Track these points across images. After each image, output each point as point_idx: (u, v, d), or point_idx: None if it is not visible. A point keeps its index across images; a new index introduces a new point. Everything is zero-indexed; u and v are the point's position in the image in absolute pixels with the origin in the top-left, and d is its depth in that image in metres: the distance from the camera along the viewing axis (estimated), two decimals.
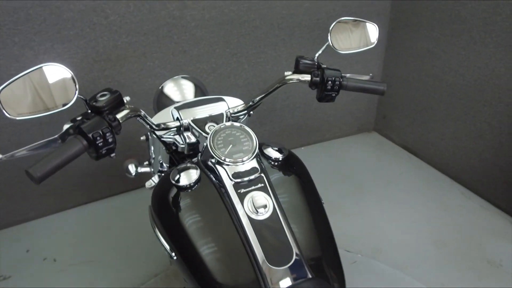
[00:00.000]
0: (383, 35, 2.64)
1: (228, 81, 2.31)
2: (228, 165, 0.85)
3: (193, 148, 1.04)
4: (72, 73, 0.72)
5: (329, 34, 1.00)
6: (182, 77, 1.35)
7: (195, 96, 1.29)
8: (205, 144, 0.97)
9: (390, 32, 2.62)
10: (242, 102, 1.13)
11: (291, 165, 0.97)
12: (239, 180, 0.83)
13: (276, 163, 0.96)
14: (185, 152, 1.06)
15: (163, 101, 1.28)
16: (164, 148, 1.10)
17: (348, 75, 1.01)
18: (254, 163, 0.86)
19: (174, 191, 0.88)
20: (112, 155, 0.77)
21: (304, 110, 2.68)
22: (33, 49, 1.79)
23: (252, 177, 0.84)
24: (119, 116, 0.79)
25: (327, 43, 1.02)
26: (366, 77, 1.05)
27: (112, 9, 1.87)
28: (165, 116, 1.09)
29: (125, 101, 0.82)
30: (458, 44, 2.12)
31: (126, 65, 2.03)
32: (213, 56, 2.21)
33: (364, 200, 2.29)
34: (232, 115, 1.07)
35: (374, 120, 3.02)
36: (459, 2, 2.04)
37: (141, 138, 1.13)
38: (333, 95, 1.01)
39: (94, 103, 0.76)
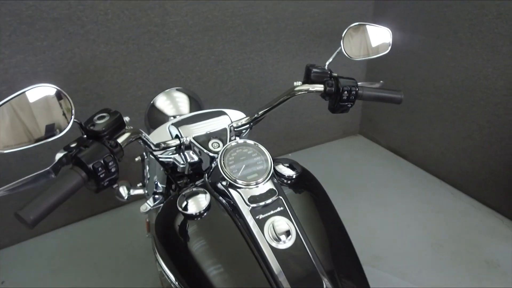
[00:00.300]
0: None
1: (213, 89, 2.22)
2: (242, 188, 0.77)
3: (195, 167, 0.95)
4: (65, 93, 0.62)
5: (341, 41, 0.94)
6: (176, 90, 1.25)
7: (191, 110, 1.19)
8: (213, 164, 0.89)
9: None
10: (244, 115, 1.05)
11: (306, 183, 0.90)
12: (256, 204, 0.75)
13: (289, 181, 0.88)
14: (186, 172, 0.97)
15: (156, 116, 1.18)
16: (161, 168, 1.01)
17: (360, 83, 0.95)
18: (270, 185, 0.79)
19: (181, 219, 0.79)
20: (115, 186, 0.67)
21: (291, 116, 2.63)
22: (2, 62, 1.64)
23: (270, 200, 0.76)
24: (120, 140, 0.69)
25: (337, 50, 0.96)
26: (377, 85, 0.99)
27: (89, 17, 1.74)
28: (162, 134, 0.99)
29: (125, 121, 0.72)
30: (444, 46, 2.12)
31: (105, 76, 1.91)
32: (198, 64, 2.11)
33: (357, 206, 2.25)
34: (235, 129, 0.98)
35: (360, 123, 3.01)
36: (444, 3, 2.04)
37: (136, 159, 1.02)
38: (349, 105, 0.94)
39: (91, 127, 0.66)
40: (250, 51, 2.22)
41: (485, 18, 1.86)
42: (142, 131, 0.78)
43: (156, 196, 1.11)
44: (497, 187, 2.07)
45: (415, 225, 2.09)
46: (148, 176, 1.10)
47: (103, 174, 0.63)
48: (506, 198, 2.05)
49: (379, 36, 0.95)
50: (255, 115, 0.99)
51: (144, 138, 0.79)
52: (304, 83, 0.97)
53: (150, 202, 1.09)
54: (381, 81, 1.01)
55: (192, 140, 0.90)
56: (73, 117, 0.62)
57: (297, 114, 2.65)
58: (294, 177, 0.89)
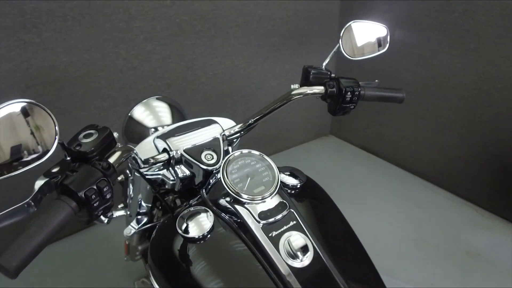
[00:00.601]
0: (333, 38, 2.64)
1: (185, 97, 2.12)
2: (250, 203, 0.70)
3: (185, 183, 0.86)
4: (47, 109, 0.51)
5: (340, 40, 0.89)
6: (156, 99, 1.15)
7: (174, 121, 1.09)
8: (211, 180, 0.80)
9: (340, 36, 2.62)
10: (234, 123, 0.98)
11: (312, 192, 0.85)
12: (267, 221, 0.68)
13: (293, 191, 0.82)
14: (176, 189, 0.87)
15: (136, 130, 1.07)
16: (148, 187, 0.91)
17: (361, 83, 0.91)
18: (279, 197, 0.73)
19: (183, 243, 0.70)
20: (109, 214, 0.57)
21: (264, 119, 2.57)
22: None
23: (281, 215, 0.70)
24: (111, 160, 0.59)
25: (334, 50, 0.91)
26: (374, 84, 0.96)
27: (46, 24, 1.58)
28: (146, 149, 0.89)
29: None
30: (411, 44, 2.16)
31: (66, 88, 1.75)
32: (167, 71, 2.00)
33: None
34: (228, 138, 0.91)
35: (330, 123, 3.02)
36: (410, 2, 2.09)
37: (118, 178, 0.91)
38: (352, 107, 0.90)
39: (77, 148, 0.55)
40: (221, 55, 2.14)
41: (451, 16, 1.92)
42: (133, 147, 0.69)
43: (140, 217, 1.01)
44: (470, 179, 2.14)
45: (395, 222, 2.10)
46: (132, 196, 0.99)
47: (97, 202, 0.53)
48: (479, 189, 2.11)
49: (377, 33, 0.91)
50: (249, 122, 0.91)
51: (135, 155, 0.69)
52: (302, 85, 0.91)
53: (134, 224, 0.99)
54: (376, 80, 0.97)
55: (183, 153, 0.81)
56: (57, 137, 0.52)
57: (270, 118, 2.57)
58: (298, 186, 0.83)
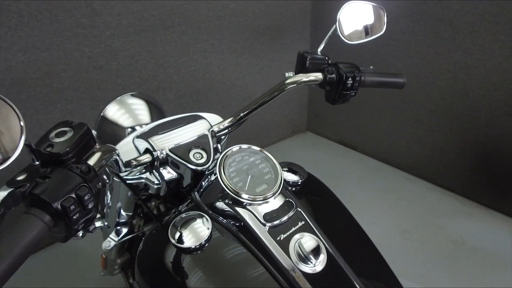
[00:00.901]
0: (307, 32, 2.60)
1: (157, 96, 2.00)
2: (253, 204, 0.62)
3: (172, 187, 0.77)
4: (9, 101, 0.41)
5: (337, 23, 0.82)
6: (131, 96, 1.04)
7: (153, 118, 0.99)
8: (203, 182, 0.72)
9: (313, 30, 2.59)
10: (221, 118, 0.89)
11: (315, 188, 0.78)
12: (273, 223, 0.61)
13: (295, 189, 0.75)
14: (162, 193, 0.78)
15: (110, 131, 0.96)
16: (129, 193, 0.81)
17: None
18: (283, 197, 0.65)
19: (177, 255, 0.61)
20: (91, 228, 0.47)
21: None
22: None
23: (287, 216, 0.62)
24: (91, 162, 0.49)
25: (330, 34, 0.84)
26: (370, 70, 0.90)
27: None
28: (126, 150, 0.79)
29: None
30: (386, 36, 2.15)
31: (25, 90, 1.59)
32: (136, 69, 1.88)
33: None
34: (217, 134, 0.82)
35: (307, 119, 2.98)
36: None
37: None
38: (352, 94, 0.83)
39: (48, 149, 0.45)
40: (194, 52, 2.04)
41: (425, 6, 1.92)
42: (116, 147, 0.59)
43: (119, 227, 0.90)
44: (449, 168, 2.16)
45: (380, 215, 2.08)
46: (110, 204, 0.88)
47: (77, 214, 0.43)
48: (457, 177, 2.14)
49: (373, 15, 0.86)
50: (239, 115, 0.83)
51: (117, 156, 0.59)
52: (297, 73, 0.83)
53: (113, 236, 0.88)
54: (371, 67, 0.92)
55: (169, 153, 0.72)
56: (23, 136, 0.41)
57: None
58: (299, 183, 0.76)
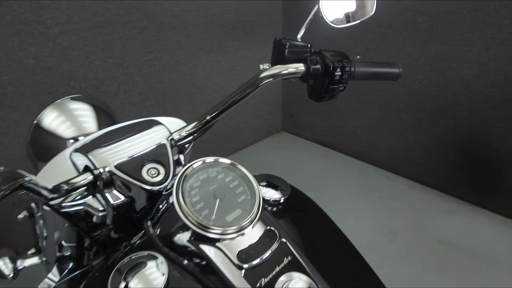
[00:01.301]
0: (279, 27, 2.48)
1: (116, 99, 1.81)
2: (224, 239, 0.47)
3: (123, 213, 0.60)
4: None
5: (319, 4, 0.68)
6: (72, 99, 0.86)
7: (101, 127, 0.81)
8: (161, 205, 0.56)
9: (285, 25, 2.47)
10: (183, 123, 0.73)
11: (299, 206, 0.64)
12: (250, 264, 0.46)
13: (277, 208, 0.61)
14: (109, 221, 0.61)
15: (45, 143, 0.77)
16: (67, 223, 0.63)
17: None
18: (262, 224, 0.50)
19: None
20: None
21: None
22: None
23: (269, 252, 0.47)
24: None
25: (311, 16, 0.70)
26: (359, 59, 0.77)
27: None
28: (60, 169, 0.61)
29: None
30: (361, 29, 2.05)
31: None
32: (92, 70, 1.68)
33: None
34: (177, 143, 0.66)
35: (282, 119, 2.86)
36: None
37: (19, 216, 0.62)
38: (341, 88, 0.70)
39: None
40: (157, 49, 1.87)
41: None
42: (23, 172, 0.42)
43: (61, 263, 0.72)
44: (430, 164, 2.09)
45: (362, 216, 1.98)
46: (45, 235, 0.70)
47: None
48: (440, 173, 2.07)
49: None
50: (206, 118, 0.67)
51: (30, 184, 0.43)
52: (274, 64, 0.69)
53: (53, 276, 0.70)
54: (358, 56, 0.78)
55: (115, 170, 0.55)
56: None
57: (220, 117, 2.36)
58: (282, 201, 0.61)
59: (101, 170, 0.54)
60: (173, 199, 0.49)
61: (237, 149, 2.62)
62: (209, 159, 0.54)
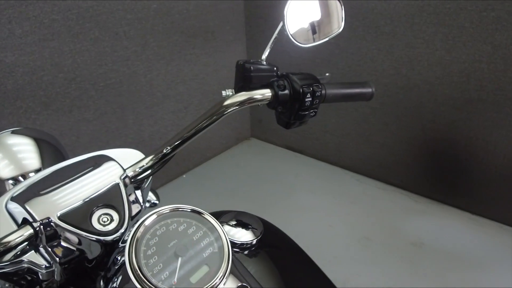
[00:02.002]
0: (241, 33, 2.41)
1: (70, 117, 1.68)
2: None
3: (73, 267, 0.52)
4: None
5: (284, 21, 0.62)
6: (12, 133, 0.75)
7: (46, 164, 0.71)
8: (116, 258, 0.49)
9: (248, 30, 2.41)
10: (141, 154, 0.65)
11: (274, 244, 0.58)
12: None
13: (249, 251, 0.55)
14: (57, 277, 0.52)
15: None
16: (7, 285, 0.54)
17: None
18: (234, 280, 0.44)
19: None
20: None
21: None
22: None
23: None
24: None
25: (275, 35, 0.64)
26: (327, 78, 0.72)
27: None
28: None
29: None
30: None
31: None
32: (40, 87, 1.55)
33: (270, 216, 1.99)
34: (133, 180, 0.58)
35: (250, 126, 2.80)
36: None
37: None
38: (312, 114, 0.64)
39: None
40: (113, 61, 1.75)
41: (363, 0, 1.81)
42: None
43: None
44: (399, 166, 2.10)
45: (335, 223, 1.96)
46: None
47: None
48: (408, 174, 2.08)
49: (328, 10, 0.67)
50: (163, 151, 0.60)
51: None
52: (238, 90, 0.62)
53: None
54: (327, 74, 0.73)
55: (58, 222, 0.47)
56: None
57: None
58: (254, 242, 0.55)
59: (40, 223, 0.46)
60: (125, 261, 0.41)
61: (206, 159, 2.53)
62: (166, 210, 0.46)
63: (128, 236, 0.44)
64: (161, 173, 2.04)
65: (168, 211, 0.47)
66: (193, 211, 0.48)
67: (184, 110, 2.17)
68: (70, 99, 1.65)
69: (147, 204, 0.76)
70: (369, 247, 1.80)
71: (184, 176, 2.39)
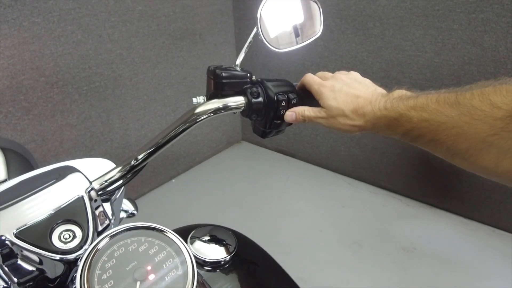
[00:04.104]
0: (230, 35, 2.38)
1: (52, 122, 1.63)
2: None
3: (35, 285, 0.48)
4: None
5: (258, 25, 0.58)
6: None
7: (11, 176, 0.67)
8: (75, 276, 0.45)
9: (237, 32, 2.38)
10: (111, 163, 0.62)
11: (247, 259, 0.55)
12: None
13: (223, 268, 0.51)
14: None
15: None
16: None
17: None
18: None
19: None
20: None
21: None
22: None
23: None
24: None
25: (250, 39, 0.61)
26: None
27: None
28: None
29: None
30: None
31: None
32: (21, 91, 1.50)
33: (261, 220, 1.98)
34: (102, 192, 0.54)
35: (241, 129, 2.77)
36: None
37: None
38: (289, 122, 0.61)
39: None
40: (96, 64, 1.71)
41: (351, 2, 1.79)
42: None
43: None
44: (390, 169, 2.07)
45: (326, 228, 1.93)
46: None
47: None
48: (400, 178, 2.06)
49: (306, 13, 0.64)
50: (132, 162, 0.56)
51: None
52: (210, 98, 0.59)
53: None
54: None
55: (14, 240, 0.43)
56: None
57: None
58: (227, 259, 0.52)
59: None
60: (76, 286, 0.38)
61: (196, 163, 2.49)
62: (121, 229, 0.43)
63: (80, 260, 0.40)
64: (149, 177, 2.01)
65: (127, 229, 0.43)
66: (154, 228, 0.44)
67: (172, 113, 2.13)
68: (52, 103, 1.60)
69: (124, 215, 0.72)
70: (359, 253, 1.77)
71: (173, 180, 2.34)
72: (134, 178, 0.58)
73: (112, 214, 0.57)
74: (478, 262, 1.68)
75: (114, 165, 0.59)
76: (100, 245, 0.41)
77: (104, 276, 0.39)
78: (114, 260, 0.41)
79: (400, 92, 0.53)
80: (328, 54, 2.01)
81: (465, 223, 1.90)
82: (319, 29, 0.64)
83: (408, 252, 1.76)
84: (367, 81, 0.58)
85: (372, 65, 1.87)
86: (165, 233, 0.44)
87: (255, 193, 2.24)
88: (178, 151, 2.31)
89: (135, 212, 0.72)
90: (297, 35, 0.62)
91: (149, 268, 0.40)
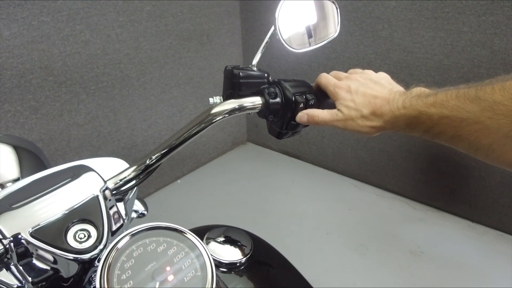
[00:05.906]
0: (237, 36, 2.38)
1: (60, 121, 1.63)
2: None
3: (48, 287, 0.48)
4: None
5: (276, 25, 0.58)
6: None
7: (24, 173, 0.67)
8: (92, 277, 0.45)
9: (245, 33, 2.38)
10: (126, 164, 0.62)
11: (264, 262, 0.54)
12: None
13: (238, 270, 0.51)
14: None
15: None
16: None
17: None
18: None
19: None
20: None
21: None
22: None
23: None
24: None
25: (267, 40, 0.60)
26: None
27: None
28: None
29: None
30: None
31: None
32: (29, 90, 1.51)
33: (266, 222, 1.97)
34: (116, 192, 0.54)
35: (247, 130, 2.76)
36: None
37: None
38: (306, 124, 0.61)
39: None
40: (104, 64, 1.71)
41: (360, 3, 1.78)
42: None
43: None
44: (397, 172, 2.06)
45: (332, 230, 1.92)
46: None
47: None
48: (407, 181, 2.05)
49: (323, 13, 0.63)
50: (147, 162, 0.56)
51: None
52: (226, 98, 0.59)
53: None
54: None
55: (30, 239, 0.43)
56: None
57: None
58: (243, 261, 0.51)
59: (10, 240, 0.42)
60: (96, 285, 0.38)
61: (202, 164, 2.49)
62: (142, 229, 0.43)
63: (100, 259, 0.40)
64: (155, 178, 2.01)
65: (146, 228, 0.43)
66: (174, 229, 0.44)
67: (179, 114, 2.13)
68: (60, 102, 1.60)
69: (134, 215, 0.72)
70: (365, 256, 1.75)
71: (179, 181, 2.34)
72: None
73: (126, 214, 0.57)
74: (485, 266, 1.67)
75: (127, 165, 0.58)
76: (120, 245, 0.40)
77: (124, 277, 0.39)
78: (133, 260, 0.40)
79: (418, 90, 0.52)
80: (335, 56, 2.00)
81: (472, 227, 1.89)
82: (336, 29, 0.63)
83: (415, 255, 1.75)
84: (383, 80, 0.57)
85: (380, 67, 1.85)
86: (185, 234, 0.43)
87: (261, 194, 2.23)
88: (184, 151, 2.31)
89: (145, 212, 0.72)
90: (314, 35, 0.61)
91: (168, 268, 0.40)
